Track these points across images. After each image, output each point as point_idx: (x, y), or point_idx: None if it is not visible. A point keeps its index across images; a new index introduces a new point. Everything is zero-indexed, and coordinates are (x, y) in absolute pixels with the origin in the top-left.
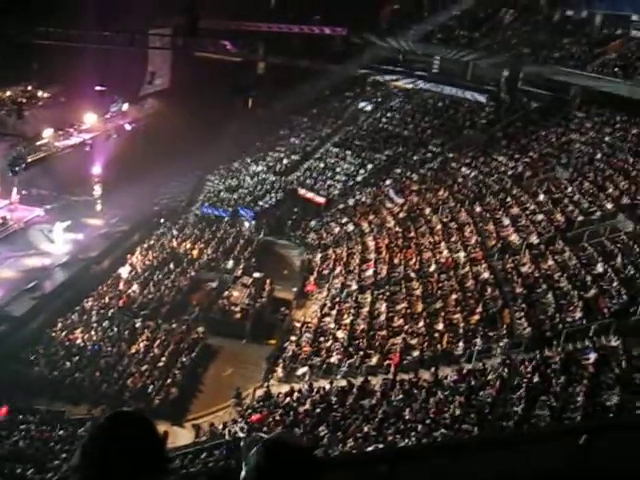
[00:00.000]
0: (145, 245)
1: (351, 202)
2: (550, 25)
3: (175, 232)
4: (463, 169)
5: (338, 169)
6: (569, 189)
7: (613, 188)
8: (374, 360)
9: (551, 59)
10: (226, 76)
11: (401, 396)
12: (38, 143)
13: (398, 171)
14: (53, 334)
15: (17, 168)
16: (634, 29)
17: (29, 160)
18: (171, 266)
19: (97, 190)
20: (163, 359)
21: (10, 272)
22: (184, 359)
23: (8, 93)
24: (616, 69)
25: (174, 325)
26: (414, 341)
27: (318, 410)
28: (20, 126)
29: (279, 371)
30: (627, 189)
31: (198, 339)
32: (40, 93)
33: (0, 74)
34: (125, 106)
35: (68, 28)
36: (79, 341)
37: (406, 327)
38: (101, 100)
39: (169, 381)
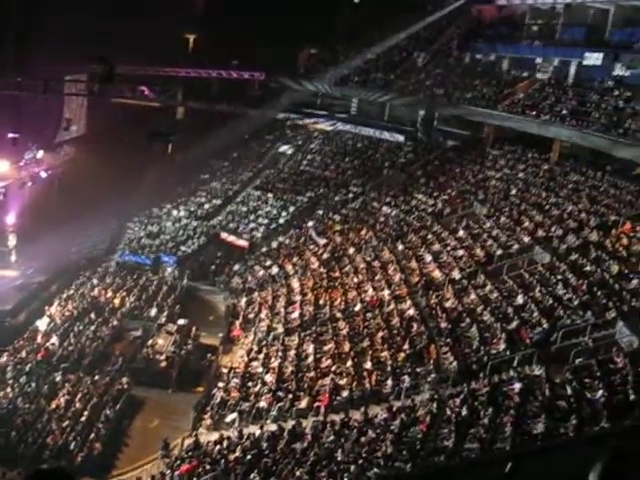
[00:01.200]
0: (64, 295)
1: (274, 245)
2: (461, 67)
3: (95, 281)
4: (384, 208)
5: (260, 212)
6: (487, 224)
7: (529, 222)
8: (304, 402)
9: (464, 99)
10: (144, 121)
11: (332, 437)
12: None
13: (320, 212)
14: None
15: None
16: (539, 71)
17: None
18: (92, 316)
19: (12, 240)
20: (85, 413)
21: None
22: (108, 412)
23: None
24: (532, 111)
25: (97, 377)
26: (343, 381)
27: (249, 457)
28: None
29: (207, 419)
30: (541, 222)
31: (122, 390)
32: None
33: None
34: (40, 153)
35: None
36: None
37: (334, 367)
38: (14, 147)
39: (92, 436)
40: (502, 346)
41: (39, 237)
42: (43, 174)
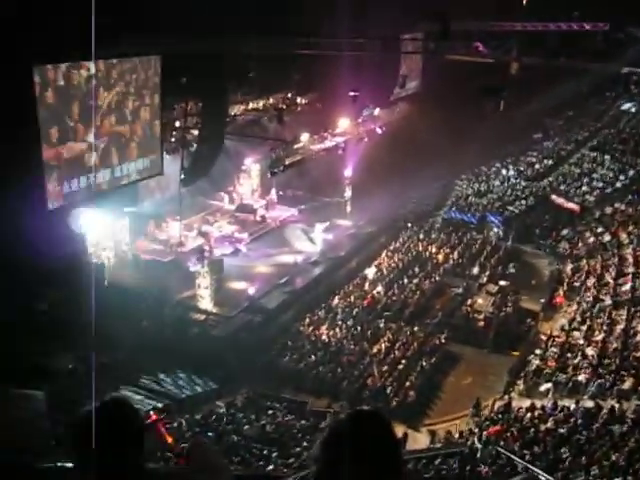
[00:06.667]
0: (391, 247)
1: (608, 210)
2: None
3: (421, 236)
4: None
5: (595, 175)
6: None
7: None
8: (627, 383)
9: None
10: (476, 78)
11: None
12: (295, 146)
13: None
14: (301, 328)
15: (276, 170)
16: None
17: (287, 163)
18: (416, 269)
19: (347, 192)
20: (403, 362)
21: (265, 267)
22: (424, 363)
23: (271, 100)
24: None
25: (416, 328)
26: None
27: (561, 430)
28: (280, 131)
29: (521, 385)
30: None
31: (439, 345)
32: (299, 100)
33: (264, 84)
34: (376, 110)
35: (324, 38)
36: (324, 337)
37: None
38: (354, 105)
39: (407, 384)
40: None
41: (371, 190)
42: (378, 130)
